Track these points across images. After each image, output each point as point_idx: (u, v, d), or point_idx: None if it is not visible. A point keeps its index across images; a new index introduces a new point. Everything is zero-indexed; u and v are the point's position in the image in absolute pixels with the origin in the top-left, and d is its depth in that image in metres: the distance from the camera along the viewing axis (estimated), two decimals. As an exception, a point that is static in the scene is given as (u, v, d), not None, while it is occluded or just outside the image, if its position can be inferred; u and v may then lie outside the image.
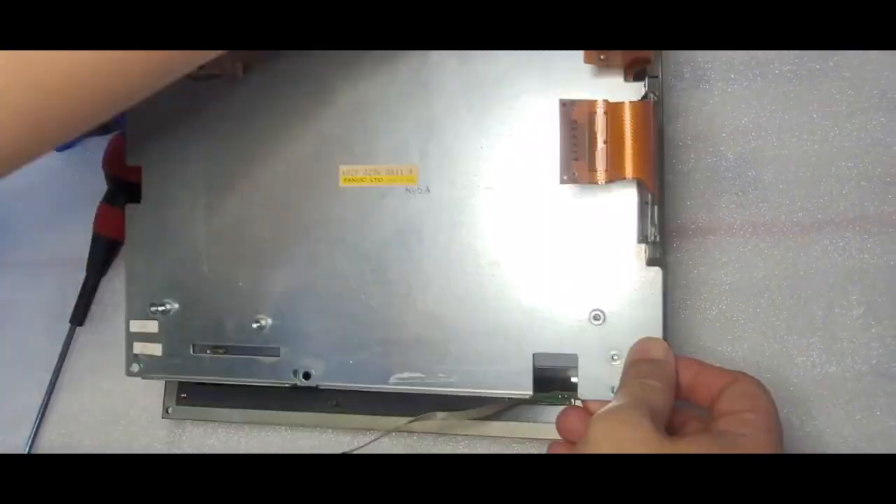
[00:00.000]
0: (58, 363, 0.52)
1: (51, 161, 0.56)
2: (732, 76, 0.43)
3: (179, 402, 0.46)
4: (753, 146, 0.42)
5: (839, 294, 0.39)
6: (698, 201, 0.42)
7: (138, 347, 0.43)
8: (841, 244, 0.40)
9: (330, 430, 0.45)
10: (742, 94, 0.43)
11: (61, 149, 0.55)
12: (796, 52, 0.42)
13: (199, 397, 0.46)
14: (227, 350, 0.42)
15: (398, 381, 0.39)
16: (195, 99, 0.42)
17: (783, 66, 0.42)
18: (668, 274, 0.37)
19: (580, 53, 0.36)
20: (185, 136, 0.43)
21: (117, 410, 0.50)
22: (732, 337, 0.41)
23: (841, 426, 0.38)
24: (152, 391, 0.48)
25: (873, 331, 0.39)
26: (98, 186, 0.51)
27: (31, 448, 0.51)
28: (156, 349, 0.42)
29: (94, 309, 0.52)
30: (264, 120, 0.41)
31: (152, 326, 0.43)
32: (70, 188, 0.55)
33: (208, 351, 0.42)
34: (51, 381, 0.51)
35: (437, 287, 0.39)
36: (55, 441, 0.52)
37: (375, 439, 0.43)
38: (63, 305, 0.52)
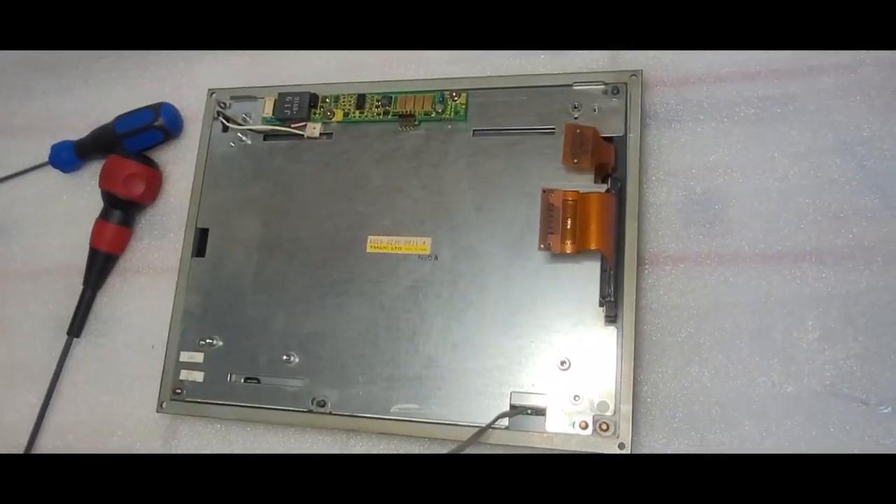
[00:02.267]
0: (54, 374, 0.53)
1: (55, 180, 0.58)
2: (702, 117, 0.47)
3: (174, 397, 0.49)
4: (720, 182, 0.45)
5: (797, 320, 0.42)
6: (669, 232, 0.45)
7: (184, 374, 0.49)
8: (798, 274, 0.43)
9: (326, 431, 0.48)
10: (710, 134, 0.46)
11: (66, 169, 0.57)
12: (760, 96, 0.46)
13: (194, 394, 0.49)
14: (259, 380, 0.48)
15: (398, 411, 0.45)
16: (255, 176, 0.51)
17: (748, 109, 0.46)
18: (621, 333, 0.42)
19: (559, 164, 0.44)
20: (244, 208, 0.51)
21: (114, 422, 0.52)
22: (700, 358, 0.43)
23: (797, 442, 0.41)
24: (149, 403, 0.50)
25: (827, 354, 0.42)
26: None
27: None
28: (198, 376, 0.49)
29: (92, 322, 0.54)
30: (311, 197, 0.50)
31: (198, 357, 0.49)
32: (72, 204, 0.57)
33: (242, 380, 0.48)
34: (47, 392, 0.53)
35: (437, 334, 0.46)
36: (51, 451, 0.53)
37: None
38: (61, 317, 0.54)
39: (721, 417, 0.42)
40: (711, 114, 0.46)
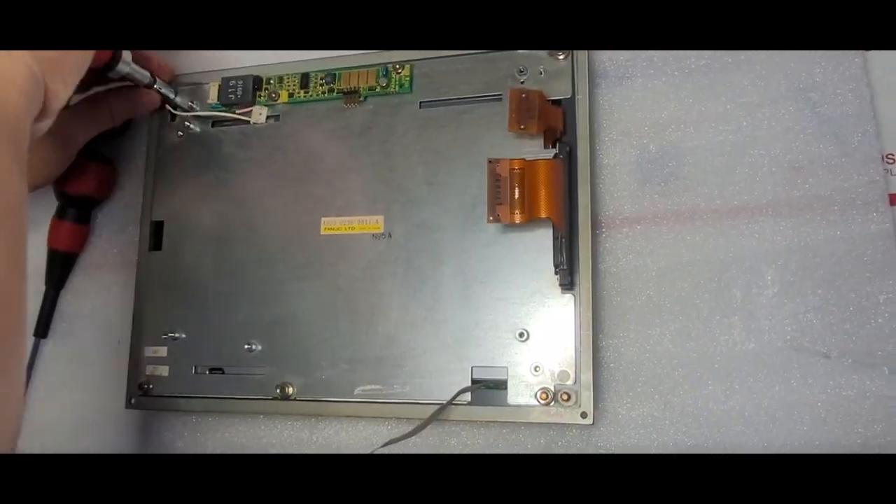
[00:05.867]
0: (26, 377, 0.53)
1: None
2: (652, 72, 0.45)
3: (141, 393, 0.49)
4: (673, 138, 0.44)
5: (756, 275, 0.42)
6: (624, 193, 0.44)
7: (150, 369, 0.49)
8: (756, 228, 0.42)
9: (291, 417, 0.48)
10: (662, 89, 0.45)
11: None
12: (711, 46, 0.44)
13: (161, 388, 0.49)
14: (223, 371, 0.47)
15: (361, 392, 0.45)
16: (207, 165, 0.51)
17: (699, 61, 0.44)
18: (579, 300, 0.42)
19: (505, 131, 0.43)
20: (198, 198, 0.50)
21: (88, 420, 0.52)
22: (661, 320, 0.43)
23: (760, 398, 0.40)
24: (120, 399, 0.50)
25: (787, 308, 0.41)
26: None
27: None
28: (164, 370, 0.49)
29: (58, 322, 0.54)
30: (263, 182, 0.49)
31: (162, 352, 0.49)
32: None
33: (207, 372, 0.48)
34: (21, 395, 0.53)
35: (395, 313, 0.45)
36: (29, 452, 0.53)
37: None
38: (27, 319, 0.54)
39: (684, 379, 0.42)
40: (662, 68, 0.45)
